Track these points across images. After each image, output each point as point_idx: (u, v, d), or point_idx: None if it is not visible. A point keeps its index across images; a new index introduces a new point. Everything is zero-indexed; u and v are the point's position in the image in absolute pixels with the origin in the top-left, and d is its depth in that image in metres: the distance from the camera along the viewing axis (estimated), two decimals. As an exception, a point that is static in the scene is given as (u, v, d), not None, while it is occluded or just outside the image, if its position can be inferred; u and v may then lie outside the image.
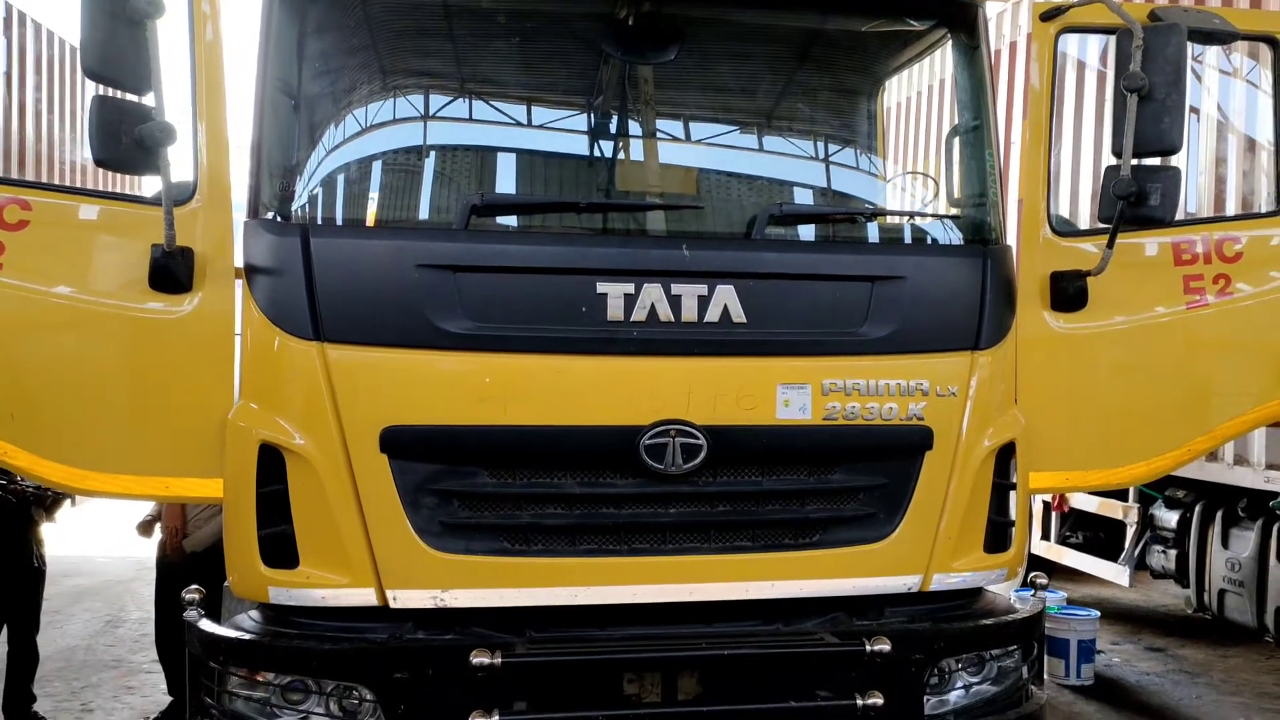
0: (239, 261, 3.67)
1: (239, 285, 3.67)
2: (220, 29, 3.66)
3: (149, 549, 6.35)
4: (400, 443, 3.49)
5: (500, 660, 3.38)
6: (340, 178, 3.94)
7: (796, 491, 3.78)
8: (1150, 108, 3.70)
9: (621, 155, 4.22)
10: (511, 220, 3.91)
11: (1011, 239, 4.24)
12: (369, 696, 3.46)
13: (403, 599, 3.52)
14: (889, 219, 4.39)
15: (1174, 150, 3.82)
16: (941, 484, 3.82)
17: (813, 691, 3.63)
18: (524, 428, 3.55)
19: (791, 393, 3.69)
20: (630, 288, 3.58)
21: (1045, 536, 9.38)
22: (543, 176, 4.31)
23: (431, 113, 4.12)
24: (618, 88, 4.10)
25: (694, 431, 3.59)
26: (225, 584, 3.80)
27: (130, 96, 3.39)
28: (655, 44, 3.98)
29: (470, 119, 4.16)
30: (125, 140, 3.32)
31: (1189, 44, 3.78)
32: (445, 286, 3.53)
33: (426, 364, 3.53)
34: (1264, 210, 6.08)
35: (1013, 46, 9.48)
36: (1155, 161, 3.94)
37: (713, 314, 3.63)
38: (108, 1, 3.24)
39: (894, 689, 3.62)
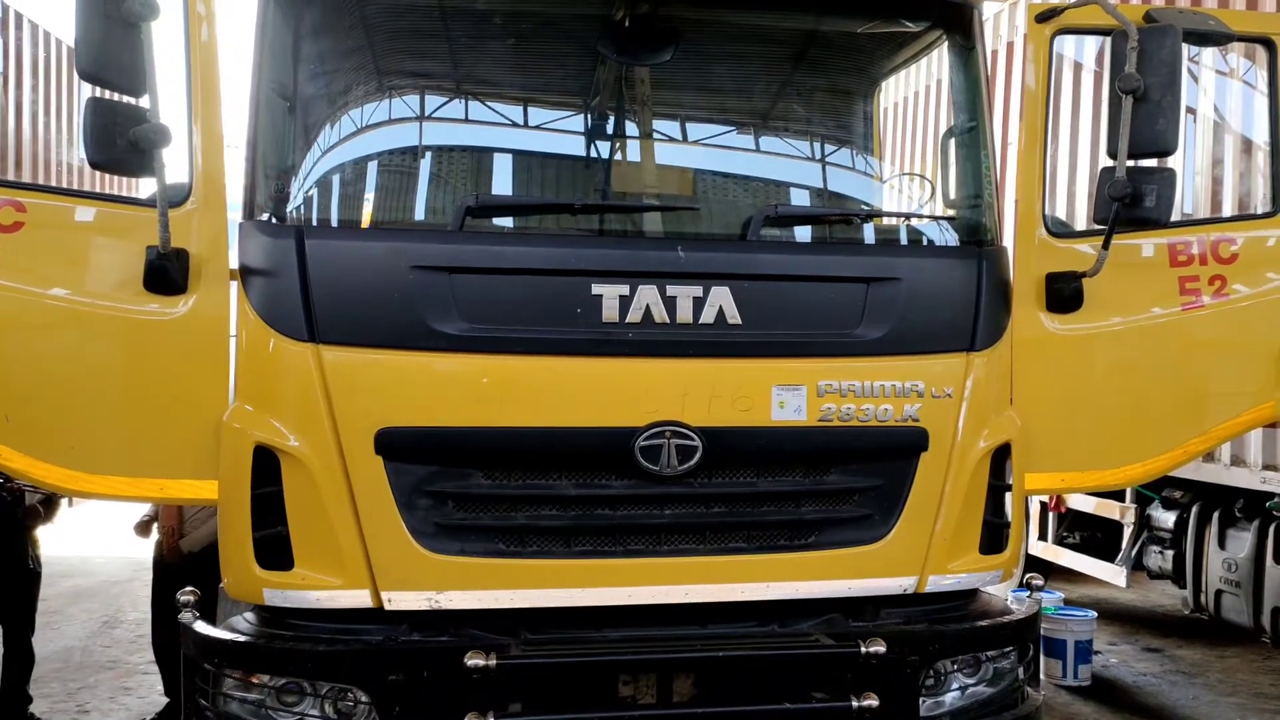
0: (234, 263, 3.67)
1: (234, 287, 3.67)
2: (215, 30, 3.66)
3: (146, 549, 6.34)
4: (395, 444, 3.49)
5: (495, 662, 3.38)
6: (335, 179, 3.94)
7: (792, 493, 3.78)
8: (1145, 109, 3.70)
9: (617, 156, 4.22)
10: (507, 221, 3.91)
11: (1007, 240, 4.24)
12: (364, 698, 3.45)
13: (398, 601, 3.52)
14: (884, 220, 4.38)
15: (1169, 152, 3.83)
16: (937, 485, 3.82)
17: (808, 693, 3.63)
18: (519, 429, 3.55)
19: (787, 394, 3.69)
20: (625, 289, 3.58)
21: (1042, 537, 9.38)
22: (538, 178, 4.31)
23: (426, 114, 4.12)
24: (613, 89, 4.10)
25: (689, 433, 3.58)
26: (220, 585, 3.80)
27: (125, 98, 3.39)
28: (651, 45, 3.98)
29: (465, 120, 4.16)
30: (120, 142, 3.32)
31: (1184, 45, 3.78)
32: (440, 288, 3.53)
33: (421, 365, 3.53)
34: (1260, 211, 6.08)
35: (1009, 47, 9.47)
36: (1151, 163, 3.95)
37: (708, 315, 3.63)
38: (103, 3, 3.24)
39: (889, 691, 3.62)
